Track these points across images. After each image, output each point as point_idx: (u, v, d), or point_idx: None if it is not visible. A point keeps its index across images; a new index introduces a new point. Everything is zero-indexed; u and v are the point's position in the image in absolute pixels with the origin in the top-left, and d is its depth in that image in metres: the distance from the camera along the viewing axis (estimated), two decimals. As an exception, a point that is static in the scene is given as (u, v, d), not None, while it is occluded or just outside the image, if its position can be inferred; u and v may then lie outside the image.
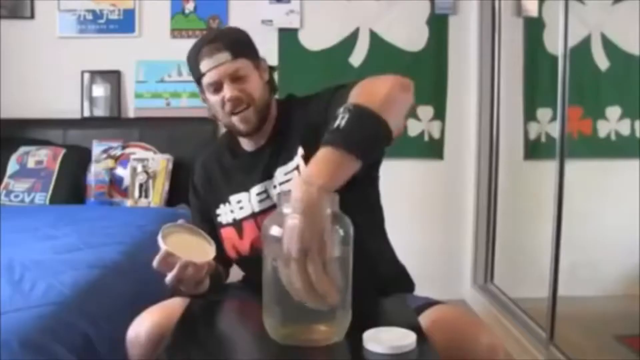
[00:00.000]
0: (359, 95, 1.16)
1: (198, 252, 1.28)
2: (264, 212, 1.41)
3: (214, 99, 1.42)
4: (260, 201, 1.42)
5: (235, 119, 1.41)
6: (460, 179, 3.34)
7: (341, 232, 1.07)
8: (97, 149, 3.09)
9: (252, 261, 1.37)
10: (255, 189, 1.43)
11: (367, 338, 1.04)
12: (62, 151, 3.07)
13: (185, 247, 1.27)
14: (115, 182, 3.00)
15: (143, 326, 1.33)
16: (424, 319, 1.26)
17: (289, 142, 1.40)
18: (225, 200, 1.48)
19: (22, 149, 3.08)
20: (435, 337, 1.17)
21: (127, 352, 1.35)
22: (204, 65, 1.39)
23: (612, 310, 2.99)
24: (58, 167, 3.00)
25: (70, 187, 2.97)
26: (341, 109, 1.10)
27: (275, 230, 1.06)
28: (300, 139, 1.38)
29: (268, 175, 1.42)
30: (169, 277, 1.25)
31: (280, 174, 1.40)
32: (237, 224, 1.45)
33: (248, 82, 1.40)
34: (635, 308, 2.63)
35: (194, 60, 1.41)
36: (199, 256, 1.27)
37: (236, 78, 1.39)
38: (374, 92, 1.15)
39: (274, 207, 1.35)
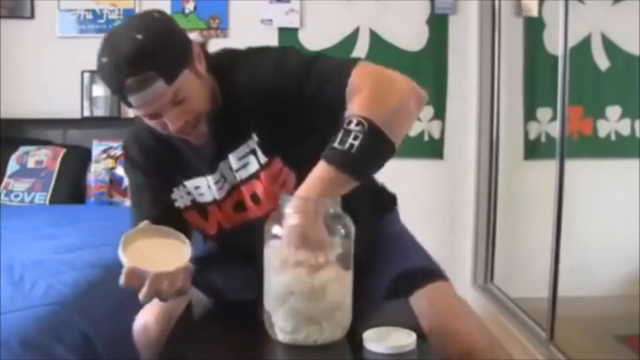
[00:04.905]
0: (371, 99, 1.08)
1: (171, 256, 1.09)
2: (225, 198, 1.31)
3: (151, 122, 1.20)
4: (220, 189, 1.30)
5: (188, 137, 1.24)
6: (460, 179, 3.34)
7: (342, 231, 1.07)
8: (97, 148, 3.09)
9: (222, 237, 1.35)
10: (212, 178, 1.29)
11: (367, 338, 1.04)
12: (62, 151, 3.07)
13: (154, 254, 1.08)
14: (115, 182, 3.00)
15: (149, 313, 1.28)
16: (415, 300, 1.26)
17: (236, 119, 1.23)
18: (178, 184, 1.31)
19: (22, 149, 3.08)
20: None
21: (135, 348, 1.31)
22: (135, 100, 1.13)
23: (612, 311, 2.99)
24: (58, 167, 2.99)
25: (70, 187, 2.97)
26: (354, 122, 1.04)
27: (276, 230, 1.06)
28: (252, 123, 1.23)
29: (220, 158, 1.27)
30: (142, 295, 1.06)
31: (234, 159, 1.26)
32: (200, 207, 1.32)
33: (191, 98, 1.17)
34: (635, 308, 2.63)
35: (116, 89, 1.13)
36: (172, 260, 1.07)
37: (177, 102, 1.15)
38: (390, 101, 1.09)
39: (233, 190, 1.29)
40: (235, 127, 1.23)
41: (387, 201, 1.51)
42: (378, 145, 1.07)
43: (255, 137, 1.23)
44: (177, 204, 1.31)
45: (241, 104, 1.22)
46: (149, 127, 1.23)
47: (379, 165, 1.12)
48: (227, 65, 1.25)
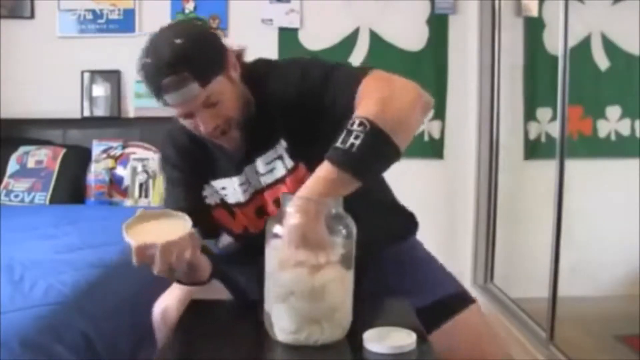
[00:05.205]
0: (376, 103, 1.10)
1: (173, 230, 1.11)
2: (248, 202, 1.36)
3: (185, 122, 1.27)
4: (244, 191, 1.36)
5: (219, 141, 1.30)
6: (460, 179, 3.34)
7: (344, 231, 1.07)
8: (97, 148, 3.09)
9: (246, 238, 1.38)
10: (237, 180, 1.35)
11: (367, 338, 1.04)
12: (62, 151, 3.07)
13: (158, 232, 1.11)
14: (115, 182, 3.00)
15: (168, 299, 1.33)
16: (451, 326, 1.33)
17: (266, 126, 1.29)
18: (207, 182, 1.38)
19: (22, 149, 3.08)
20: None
21: (154, 334, 1.36)
22: (170, 99, 1.20)
23: (612, 310, 2.99)
24: (58, 167, 3.00)
25: (70, 187, 2.97)
26: (356, 123, 1.07)
27: (277, 229, 1.06)
28: (281, 129, 1.29)
29: (247, 162, 1.33)
30: (157, 267, 1.09)
31: (261, 163, 1.32)
32: (228, 207, 1.38)
33: (223, 103, 1.23)
34: (635, 308, 2.63)
35: (154, 87, 1.21)
36: (176, 232, 1.10)
37: (209, 104, 1.22)
38: (395, 105, 1.11)
39: (256, 194, 1.35)
40: (265, 132, 1.29)
41: (405, 222, 1.54)
42: (380, 146, 1.08)
43: (283, 143, 1.29)
44: (207, 201, 1.37)
45: (271, 111, 1.28)
46: (183, 127, 1.30)
47: (382, 166, 1.13)
48: (259, 74, 1.31)
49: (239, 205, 1.37)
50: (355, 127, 1.07)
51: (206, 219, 1.33)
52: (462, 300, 1.42)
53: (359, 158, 1.06)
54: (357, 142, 1.05)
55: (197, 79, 1.18)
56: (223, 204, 1.38)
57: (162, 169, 1.47)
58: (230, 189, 1.36)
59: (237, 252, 1.47)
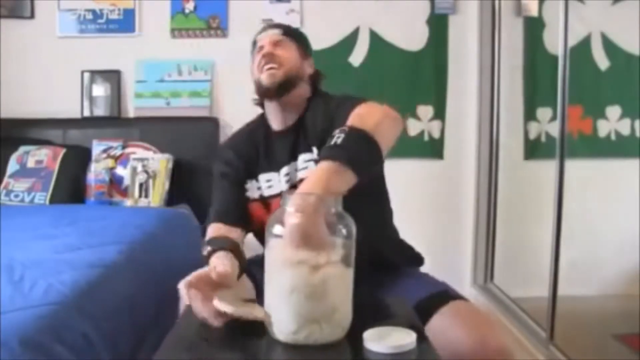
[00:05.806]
0: (354, 118, 1.30)
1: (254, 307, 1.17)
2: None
3: (256, 56, 1.61)
4: (287, 181, 1.55)
5: (263, 75, 1.57)
6: (460, 179, 3.34)
7: (344, 231, 1.07)
8: (97, 148, 3.09)
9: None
10: (284, 170, 1.56)
11: (367, 338, 1.04)
12: (62, 151, 3.07)
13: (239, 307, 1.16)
14: (115, 182, 3.00)
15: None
16: (443, 316, 1.36)
17: (309, 131, 1.56)
18: (254, 176, 1.60)
19: (22, 149, 3.08)
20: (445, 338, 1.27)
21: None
22: (261, 34, 1.65)
23: (612, 310, 2.99)
24: (58, 167, 3.00)
25: (70, 186, 2.97)
26: (337, 130, 1.24)
27: (277, 229, 1.06)
28: (314, 137, 1.53)
29: (294, 157, 1.56)
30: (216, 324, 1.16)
31: (302, 160, 1.54)
32: (265, 201, 1.58)
33: (286, 50, 1.60)
34: (635, 307, 2.63)
35: (257, 33, 1.67)
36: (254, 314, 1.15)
37: (277, 43, 1.61)
38: (368, 118, 1.29)
39: (293, 189, 1.50)
40: (305, 137, 1.56)
41: (412, 256, 1.68)
42: (360, 140, 1.20)
43: (315, 150, 1.53)
44: (247, 194, 1.60)
45: (309, 123, 1.57)
46: (242, 137, 1.69)
47: (364, 155, 1.20)
48: (317, 93, 1.66)
49: (280, 194, 1.53)
50: (337, 132, 1.23)
51: (245, 211, 1.57)
52: (450, 295, 1.44)
53: (346, 148, 1.17)
54: (339, 139, 1.19)
55: (282, 30, 1.65)
56: (261, 198, 1.59)
57: (214, 166, 1.68)
58: (275, 180, 1.58)
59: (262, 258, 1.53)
